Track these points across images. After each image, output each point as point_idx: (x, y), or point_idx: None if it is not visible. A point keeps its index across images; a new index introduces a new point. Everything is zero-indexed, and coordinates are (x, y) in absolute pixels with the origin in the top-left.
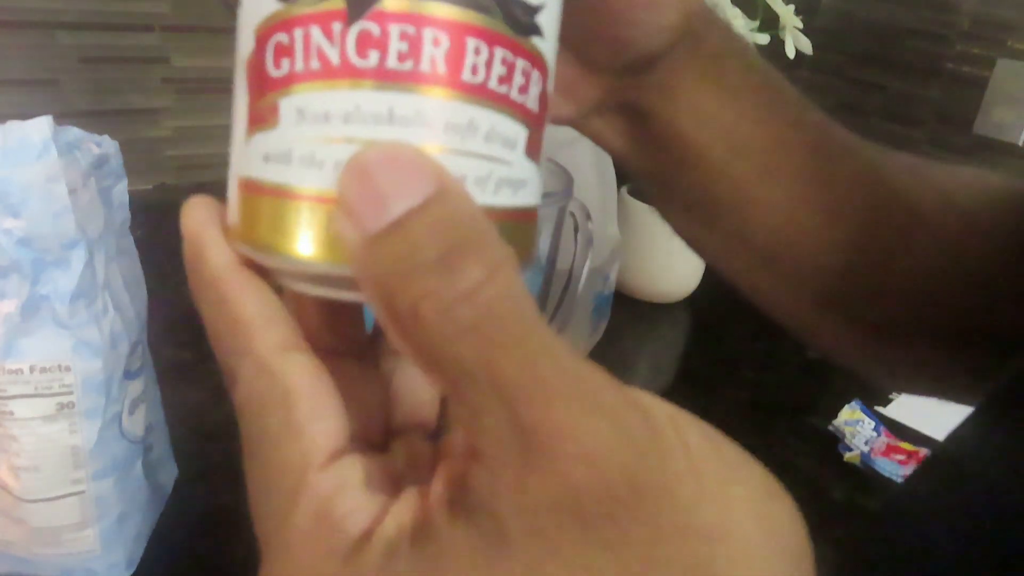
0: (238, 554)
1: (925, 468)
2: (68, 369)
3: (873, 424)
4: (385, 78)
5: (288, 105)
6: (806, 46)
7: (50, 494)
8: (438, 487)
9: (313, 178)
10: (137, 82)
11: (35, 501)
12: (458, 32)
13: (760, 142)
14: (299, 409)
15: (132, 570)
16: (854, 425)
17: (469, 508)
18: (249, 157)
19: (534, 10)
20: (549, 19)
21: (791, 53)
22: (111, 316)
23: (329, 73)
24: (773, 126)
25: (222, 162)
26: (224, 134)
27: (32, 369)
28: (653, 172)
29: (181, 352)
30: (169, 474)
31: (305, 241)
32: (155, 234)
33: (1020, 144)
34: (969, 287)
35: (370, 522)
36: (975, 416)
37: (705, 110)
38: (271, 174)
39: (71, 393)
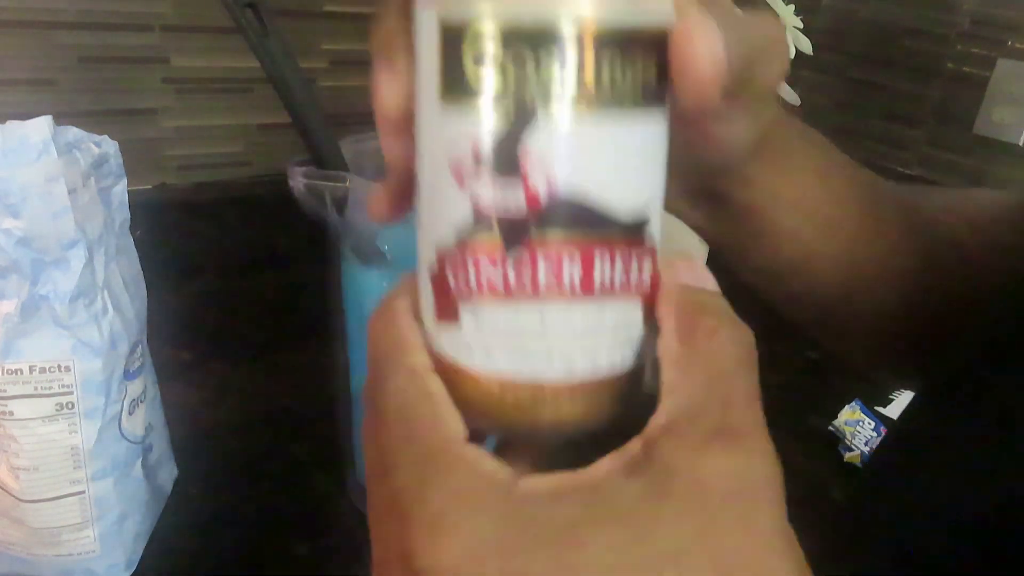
0: (238, 554)
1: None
2: (68, 369)
3: (873, 424)
4: (536, 292)
5: (466, 311)
6: (806, 46)
7: (50, 494)
8: (634, 445)
9: (485, 363)
10: (137, 82)
11: (35, 501)
12: (588, 250)
13: (824, 206)
14: (442, 406)
15: (132, 570)
16: (854, 425)
17: (647, 466)
18: (438, 336)
19: (643, 209)
20: (654, 208)
21: (791, 53)
22: (111, 316)
23: (495, 290)
24: (833, 190)
25: (222, 162)
26: (223, 134)
27: (32, 369)
28: (729, 243)
29: (181, 352)
30: (169, 474)
31: (482, 405)
32: (155, 234)
33: (1020, 144)
34: (996, 305)
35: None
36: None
37: (778, 191)
38: (455, 357)
39: (71, 393)
